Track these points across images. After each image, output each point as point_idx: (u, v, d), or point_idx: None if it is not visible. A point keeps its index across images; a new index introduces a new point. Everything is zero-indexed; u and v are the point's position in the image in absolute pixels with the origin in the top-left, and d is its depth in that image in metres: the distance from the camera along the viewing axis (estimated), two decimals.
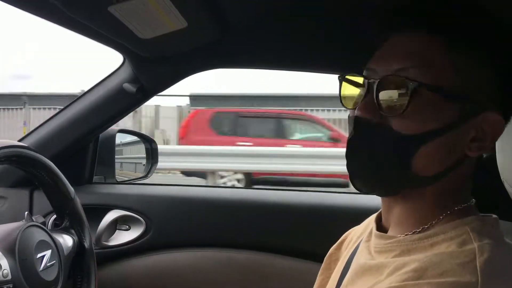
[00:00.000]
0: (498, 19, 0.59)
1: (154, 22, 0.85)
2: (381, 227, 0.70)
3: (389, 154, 0.59)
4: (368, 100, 0.60)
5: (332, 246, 0.86)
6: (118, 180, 1.53)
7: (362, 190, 0.64)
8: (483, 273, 0.51)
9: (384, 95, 0.58)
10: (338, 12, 0.86)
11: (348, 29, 0.93)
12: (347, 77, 0.65)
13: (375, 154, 0.60)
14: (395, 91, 0.57)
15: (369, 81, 0.60)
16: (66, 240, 0.97)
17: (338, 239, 0.86)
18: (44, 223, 0.95)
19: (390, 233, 0.66)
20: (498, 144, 0.76)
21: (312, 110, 10.02)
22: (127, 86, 1.20)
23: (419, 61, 0.57)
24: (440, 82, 0.57)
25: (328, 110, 10.38)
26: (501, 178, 0.81)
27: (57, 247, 0.91)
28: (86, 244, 1.01)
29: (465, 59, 0.57)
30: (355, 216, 0.87)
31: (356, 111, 0.61)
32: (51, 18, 0.86)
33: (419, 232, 0.60)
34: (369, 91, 0.60)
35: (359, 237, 0.78)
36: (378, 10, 0.66)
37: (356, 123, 0.61)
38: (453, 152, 0.59)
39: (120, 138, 1.63)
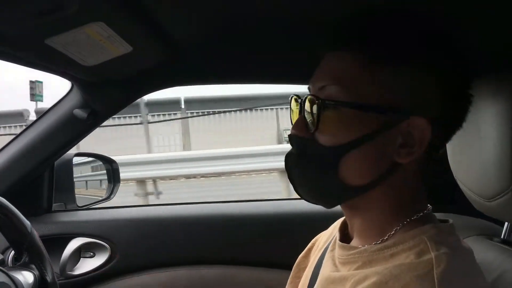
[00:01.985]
0: (421, 30, 0.61)
1: (96, 50, 0.84)
2: (346, 235, 0.71)
3: (318, 166, 0.63)
4: (299, 118, 0.65)
5: (300, 253, 0.87)
6: (80, 205, 1.49)
7: (311, 202, 0.68)
8: (440, 285, 0.52)
9: (306, 113, 0.63)
10: (286, 26, 0.87)
11: (297, 44, 0.95)
12: (294, 96, 0.69)
13: (307, 167, 0.64)
14: (312, 109, 0.62)
15: (300, 100, 0.66)
16: (27, 277, 0.94)
17: (306, 245, 0.87)
18: (3, 260, 0.92)
19: (353, 243, 0.68)
20: (448, 146, 0.78)
21: None
22: (77, 112, 1.17)
23: (338, 77, 0.61)
24: (355, 96, 0.60)
25: None
26: (454, 176, 0.84)
27: (16, 286, 0.88)
28: (49, 278, 0.98)
29: (383, 72, 0.60)
30: (322, 220, 0.88)
31: (290, 129, 0.66)
32: None
33: (380, 242, 0.62)
34: (301, 110, 0.65)
35: (325, 243, 0.79)
36: (316, 27, 0.68)
37: (290, 140, 0.66)
38: (381, 160, 0.61)
39: (78, 161, 1.60)
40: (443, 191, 1.09)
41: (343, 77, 0.61)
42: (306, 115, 0.64)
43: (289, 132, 0.68)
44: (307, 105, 0.63)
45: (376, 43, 0.60)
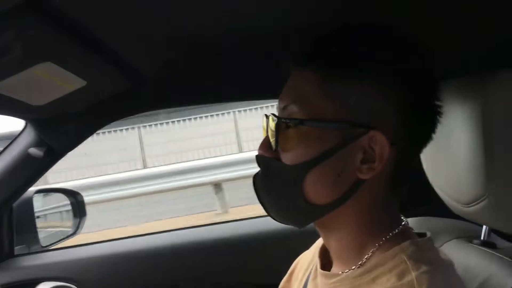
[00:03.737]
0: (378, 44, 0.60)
1: (47, 89, 0.79)
2: (327, 259, 0.70)
3: (282, 186, 0.63)
4: (264, 138, 0.66)
5: (283, 273, 0.84)
6: (44, 245, 1.41)
7: (280, 222, 0.67)
8: None
9: (270, 133, 0.65)
10: (251, 47, 0.84)
11: (266, 61, 0.92)
12: (266, 115, 0.68)
13: (272, 187, 0.64)
14: (274, 128, 0.63)
15: (265, 119, 0.67)
16: None
17: (290, 264, 0.85)
18: None
19: (333, 269, 0.66)
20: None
21: None
22: (33, 150, 1.11)
23: (295, 96, 0.62)
24: (312, 113, 0.60)
25: None
26: (430, 181, 0.83)
27: None
28: None
29: (340, 89, 0.59)
30: (303, 237, 0.84)
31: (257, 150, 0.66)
32: None
33: (360, 266, 0.61)
34: (266, 130, 0.66)
35: (307, 266, 0.78)
36: (277, 48, 0.68)
37: (256, 161, 0.67)
38: (342, 176, 0.60)
39: (38, 199, 1.52)
40: (417, 193, 1.08)
41: (301, 95, 0.61)
42: (269, 135, 0.65)
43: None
44: (270, 125, 0.64)
45: (330, 59, 0.60)
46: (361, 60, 0.59)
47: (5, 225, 1.28)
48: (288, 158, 0.61)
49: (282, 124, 0.62)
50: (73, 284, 1.24)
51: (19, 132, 1.19)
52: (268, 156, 0.64)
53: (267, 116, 0.66)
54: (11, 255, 1.31)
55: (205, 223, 1.46)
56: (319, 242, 0.76)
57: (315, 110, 0.60)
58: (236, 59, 0.92)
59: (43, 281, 1.24)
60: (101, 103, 1.03)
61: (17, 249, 1.34)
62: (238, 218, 1.53)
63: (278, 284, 0.84)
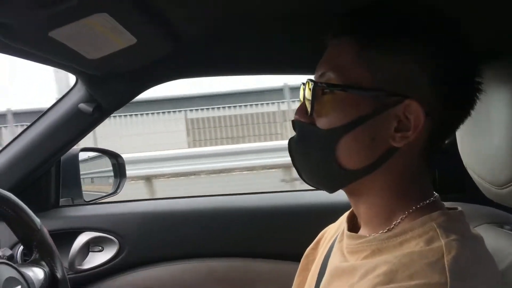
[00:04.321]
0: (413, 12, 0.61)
1: (101, 42, 0.83)
2: (354, 225, 0.71)
3: (316, 149, 0.65)
4: (301, 104, 0.68)
5: (309, 245, 0.87)
6: (87, 200, 1.49)
7: (312, 186, 0.70)
8: (451, 272, 0.52)
9: (307, 98, 0.66)
10: (288, 19, 0.86)
11: (300, 36, 0.94)
12: (304, 83, 0.69)
13: (306, 151, 0.66)
14: (309, 94, 0.65)
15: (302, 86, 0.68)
16: (37, 273, 0.94)
17: (315, 237, 0.87)
18: (12, 256, 0.91)
19: (360, 232, 0.68)
20: (458, 133, 0.77)
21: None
22: (83, 106, 1.17)
23: (332, 64, 0.64)
24: (349, 80, 0.61)
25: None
26: (464, 163, 0.83)
27: (27, 282, 0.88)
28: (59, 275, 0.98)
29: (378, 57, 0.60)
30: (331, 212, 0.87)
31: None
32: None
33: (387, 231, 0.62)
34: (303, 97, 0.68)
35: (333, 235, 0.79)
36: (315, 18, 0.69)
37: (292, 125, 0.69)
38: (376, 143, 0.61)
39: (83, 157, 1.60)
40: (453, 180, 1.08)
41: (338, 63, 0.63)
42: (306, 101, 0.66)
43: None
44: (306, 91, 0.66)
45: (369, 28, 0.61)
46: (397, 29, 0.60)
47: (53, 177, 1.36)
48: (323, 123, 0.63)
49: (319, 89, 0.63)
50: (113, 236, 1.31)
51: (46, 108, 1.26)
52: (303, 121, 0.66)
53: (303, 84, 0.68)
54: (57, 206, 1.38)
55: (241, 192, 1.50)
56: (346, 215, 0.77)
57: (352, 77, 0.61)
58: (271, 32, 0.94)
59: (85, 231, 1.31)
60: (147, 65, 1.06)
61: (62, 201, 1.42)
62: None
63: (304, 253, 0.87)
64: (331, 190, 0.68)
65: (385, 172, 0.62)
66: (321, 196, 1.37)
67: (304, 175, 0.68)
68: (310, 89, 0.65)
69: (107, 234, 1.31)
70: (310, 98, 0.64)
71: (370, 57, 0.60)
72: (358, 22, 0.62)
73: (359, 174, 0.63)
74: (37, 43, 0.78)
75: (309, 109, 0.65)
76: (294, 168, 0.70)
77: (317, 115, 0.64)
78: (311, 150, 0.65)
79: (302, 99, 0.68)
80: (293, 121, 0.68)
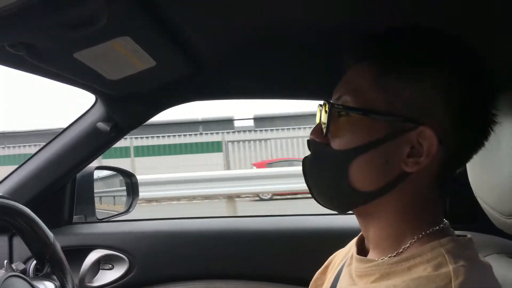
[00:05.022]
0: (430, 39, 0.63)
1: (121, 64, 0.86)
2: (363, 249, 0.72)
3: (329, 169, 0.66)
4: (318, 124, 0.70)
5: (318, 269, 0.87)
6: (100, 218, 1.51)
7: (321, 205, 0.70)
8: None
9: (323, 118, 0.68)
10: (303, 44, 0.88)
11: (318, 61, 0.96)
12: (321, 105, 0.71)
13: (319, 170, 0.68)
14: (325, 115, 0.67)
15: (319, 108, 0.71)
16: (48, 287, 0.95)
17: (324, 261, 0.87)
18: (25, 270, 0.93)
19: (369, 256, 0.68)
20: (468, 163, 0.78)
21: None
22: (101, 125, 1.20)
23: (349, 87, 0.66)
24: (365, 104, 0.63)
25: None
26: (474, 193, 0.83)
27: None
28: None
29: (395, 83, 0.62)
30: (340, 237, 0.88)
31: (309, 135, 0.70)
32: (15, 66, 0.86)
33: (396, 255, 0.62)
34: (319, 117, 0.70)
35: (342, 259, 0.79)
36: (335, 45, 0.70)
37: (308, 145, 0.71)
38: (388, 167, 0.62)
39: (98, 175, 1.63)
40: (464, 209, 1.07)
41: (355, 87, 0.65)
42: (322, 121, 0.68)
43: None
44: (323, 113, 0.68)
45: (387, 54, 0.63)
46: (416, 56, 0.61)
47: (68, 194, 1.38)
48: (337, 143, 0.65)
49: (335, 111, 0.65)
50: (123, 254, 1.32)
51: (60, 129, 1.30)
52: (318, 141, 0.67)
53: (320, 105, 0.69)
54: (70, 222, 1.41)
55: (251, 215, 1.50)
56: (355, 240, 0.77)
57: (368, 101, 0.63)
58: (289, 57, 0.97)
59: (97, 248, 1.33)
60: (165, 86, 1.10)
61: (75, 218, 1.44)
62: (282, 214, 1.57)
63: (312, 277, 0.87)
64: (342, 210, 0.69)
65: (396, 196, 0.63)
66: (330, 221, 1.37)
67: (316, 194, 0.69)
68: (326, 111, 0.66)
69: (117, 252, 1.32)
70: (325, 119, 0.66)
71: (386, 82, 0.62)
72: (376, 48, 0.64)
73: (371, 196, 0.63)
74: (62, 64, 0.81)
75: (324, 130, 0.67)
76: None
77: (332, 136, 0.66)
78: (325, 170, 0.67)
79: (318, 120, 0.70)
80: (308, 141, 0.70)
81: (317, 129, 0.69)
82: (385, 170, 0.62)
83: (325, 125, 0.67)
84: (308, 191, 0.71)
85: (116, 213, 1.64)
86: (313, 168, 0.69)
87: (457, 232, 0.66)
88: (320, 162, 0.68)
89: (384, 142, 0.61)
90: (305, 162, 0.70)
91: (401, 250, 0.62)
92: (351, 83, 0.66)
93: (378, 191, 0.63)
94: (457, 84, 0.60)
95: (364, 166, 0.62)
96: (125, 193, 1.66)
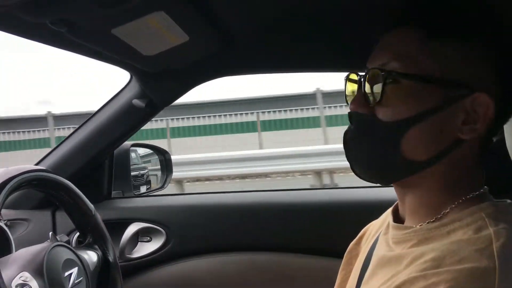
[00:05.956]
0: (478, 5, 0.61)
1: (156, 40, 0.88)
2: (398, 218, 0.71)
3: (378, 142, 0.63)
4: (358, 94, 0.65)
5: (351, 241, 0.87)
6: (136, 193, 1.56)
7: (367, 180, 0.68)
8: (500, 258, 0.52)
9: (367, 87, 0.64)
10: (338, 13, 0.87)
11: (350, 30, 0.95)
12: (350, 76, 0.69)
13: (367, 144, 0.64)
14: (375, 82, 0.62)
15: (359, 77, 0.66)
16: (91, 256, 1.00)
17: (356, 234, 0.87)
18: (68, 242, 0.98)
19: (406, 223, 0.67)
20: (506, 127, 0.77)
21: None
22: (136, 102, 1.23)
23: (398, 53, 0.62)
24: (418, 70, 0.60)
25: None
26: None
27: (83, 264, 0.94)
28: (111, 258, 1.04)
29: (445, 46, 0.60)
30: (372, 210, 0.87)
31: (349, 106, 0.66)
32: (56, 44, 0.89)
33: (434, 221, 0.62)
34: (360, 87, 0.65)
35: (377, 230, 0.79)
36: (370, 11, 0.68)
37: (349, 117, 0.66)
38: (442, 135, 0.60)
39: (133, 152, 1.67)
40: (501, 181, 1.05)
41: (404, 53, 0.61)
42: (366, 90, 0.64)
43: None
44: (371, 79, 0.63)
45: (435, 18, 0.60)
46: (466, 20, 0.59)
47: (107, 170, 1.43)
48: (387, 114, 0.61)
49: (387, 76, 0.61)
50: (160, 227, 1.36)
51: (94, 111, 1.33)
52: (365, 113, 0.64)
53: (357, 75, 0.67)
54: (109, 197, 1.46)
55: (284, 188, 1.52)
56: (388, 211, 0.77)
57: (420, 67, 0.60)
58: (320, 28, 0.96)
59: (135, 221, 1.38)
60: (197, 62, 1.11)
61: (113, 193, 1.49)
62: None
63: (346, 249, 0.87)
64: (388, 182, 0.67)
65: (444, 164, 0.62)
66: (361, 193, 1.38)
67: (360, 168, 0.67)
68: (370, 79, 0.63)
69: (155, 225, 1.36)
70: (370, 88, 0.63)
71: (436, 47, 0.59)
72: (422, 11, 0.61)
73: (423, 165, 0.62)
74: (101, 40, 0.84)
75: (372, 99, 0.63)
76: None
77: (381, 105, 0.62)
78: (373, 143, 0.63)
79: (350, 92, 0.67)
80: (350, 113, 0.66)
81: (358, 100, 0.64)
82: (439, 139, 0.60)
83: (371, 95, 0.63)
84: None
85: (152, 188, 1.70)
86: (359, 142, 0.65)
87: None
88: (367, 135, 0.64)
89: (440, 110, 0.59)
90: (347, 135, 0.67)
91: (440, 215, 0.61)
92: (395, 47, 0.62)
93: (432, 159, 0.61)
94: (505, 47, 0.60)
95: (418, 136, 0.60)
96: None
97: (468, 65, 0.59)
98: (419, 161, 0.62)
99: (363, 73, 0.65)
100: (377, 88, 0.62)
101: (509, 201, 0.64)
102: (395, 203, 0.73)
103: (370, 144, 0.64)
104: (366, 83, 0.64)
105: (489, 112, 0.59)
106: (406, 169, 0.63)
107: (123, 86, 1.29)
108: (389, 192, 1.12)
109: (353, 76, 0.68)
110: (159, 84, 1.20)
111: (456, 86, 0.59)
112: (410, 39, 0.61)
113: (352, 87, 0.69)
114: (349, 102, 0.68)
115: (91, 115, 1.34)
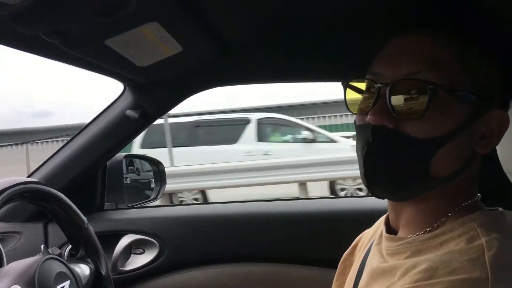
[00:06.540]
0: (500, 17, 0.61)
1: (150, 50, 0.88)
2: (390, 228, 0.71)
3: (407, 160, 0.59)
4: (380, 105, 0.59)
5: (345, 251, 0.87)
6: (129, 205, 1.55)
7: (379, 197, 0.64)
8: (493, 268, 0.52)
9: (399, 99, 0.58)
10: (334, 20, 0.87)
11: (345, 36, 0.95)
12: (351, 83, 0.66)
13: (393, 161, 0.60)
14: (412, 95, 0.57)
15: (379, 85, 0.59)
16: (83, 269, 0.98)
17: (351, 243, 0.87)
18: (60, 255, 0.96)
19: (400, 234, 0.67)
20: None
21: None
22: (129, 112, 1.22)
23: (430, 62, 0.57)
24: (451, 83, 0.57)
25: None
26: (503, 169, 0.82)
27: (75, 277, 0.92)
28: (103, 272, 1.02)
29: (473, 58, 0.58)
30: (365, 219, 0.87)
31: (369, 117, 0.59)
32: (49, 55, 0.88)
33: (428, 231, 0.61)
34: (379, 97, 0.59)
35: (370, 239, 0.79)
36: (379, 12, 0.68)
37: (372, 130, 0.59)
38: (464, 151, 0.60)
39: (126, 163, 1.66)
40: (494, 187, 1.06)
41: (439, 63, 0.57)
42: (393, 103, 0.58)
43: None
44: (399, 89, 0.58)
45: (473, 24, 0.58)
46: (491, 32, 0.59)
47: (99, 181, 1.42)
48: (417, 130, 0.57)
49: (417, 90, 0.56)
50: (154, 239, 1.35)
51: (84, 124, 1.32)
52: (388, 126, 0.58)
53: (375, 81, 0.60)
54: (101, 209, 1.44)
55: (278, 198, 1.52)
56: (380, 220, 0.77)
57: (454, 80, 0.57)
58: (315, 39, 0.96)
59: (128, 233, 1.36)
60: (192, 72, 1.11)
61: (106, 205, 1.47)
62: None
63: (340, 258, 0.87)
64: (404, 199, 0.63)
65: (460, 177, 0.61)
66: (354, 202, 1.38)
67: (378, 185, 0.62)
68: (398, 89, 0.57)
69: (148, 237, 1.35)
70: (399, 100, 0.57)
71: (470, 57, 0.58)
72: (458, 15, 0.59)
73: (443, 182, 0.60)
74: (94, 51, 0.83)
75: (398, 109, 0.58)
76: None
77: (410, 120, 0.57)
78: (401, 160, 0.59)
79: (373, 99, 0.60)
80: (373, 126, 0.59)
81: (381, 109, 0.58)
82: (462, 155, 0.59)
83: (399, 107, 0.57)
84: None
85: (145, 200, 1.68)
86: (384, 159, 0.60)
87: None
88: (394, 151, 0.59)
89: (468, 125, 0.58)
90: (367, 150, 0.60)
91: (432, 227, 0.61)
92: (428, 55, 0.57)
93: (451, 176, 0.60)
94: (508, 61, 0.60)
95: (448, 153, 0.57)
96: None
97: (492, 79, 0.59)
98: (440, 178, 0.60)
99: (383, 82, 0.59)
100: (412, 100, 0.57)
101: (500, 209, 0.64)
102: (387, 213, 0.73)
103: (396, 162, 0.59)
104: (394, 93, 0.58)
105: (504, 128, 0.59)
106: (426, 186, 0.61)
107: (116, 97, 1.28)
108: (383, 201, 1.12)
109: (358, 84, 0.65)
110: (153, 94, 1.19)
111: (482, 102, 0.58)
112: (444, 46, 0.58)
113: (356, 95, 0.65)
114: (353, 111, 0.65)
115: (84, 126, 1.33)
